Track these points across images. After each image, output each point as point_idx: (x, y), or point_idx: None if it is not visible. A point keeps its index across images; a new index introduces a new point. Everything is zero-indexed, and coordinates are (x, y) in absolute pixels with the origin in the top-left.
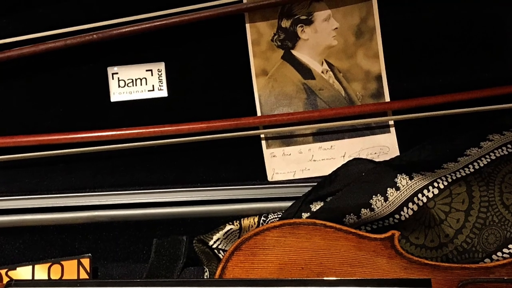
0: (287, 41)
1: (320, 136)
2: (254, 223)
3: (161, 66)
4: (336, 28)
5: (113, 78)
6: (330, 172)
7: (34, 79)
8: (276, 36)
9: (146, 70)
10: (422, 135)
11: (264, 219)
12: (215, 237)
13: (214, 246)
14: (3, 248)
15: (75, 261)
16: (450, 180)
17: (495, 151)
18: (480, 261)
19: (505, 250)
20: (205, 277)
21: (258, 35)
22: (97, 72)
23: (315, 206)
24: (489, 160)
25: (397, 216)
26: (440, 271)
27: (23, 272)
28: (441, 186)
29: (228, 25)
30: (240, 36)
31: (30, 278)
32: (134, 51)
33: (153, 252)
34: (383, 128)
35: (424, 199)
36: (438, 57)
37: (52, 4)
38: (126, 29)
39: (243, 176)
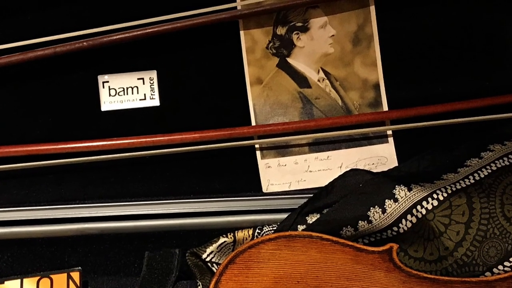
0: (282, 48)
1: (316, 146)
2: (249, 236)
3: (153, 74)
4: (333, 35)
5: (103, 87)
6: (326, 183)
7: (23, 88)
8: (271, 44)
9: (138, 79)
10: (421, 145)
11: (259, 231)
12: (208, 250)
13: (208, 259)
14: None
15: (65, 275)
16: (450, 191)
17: (496, 161)
18: (480, 275)
19: (506, 263)
20: None
21: (252, 42)
22: (87, 81)
23: (311, 218)
24: (490, 171)
25: (395, 228)
26: (440, 285)
27: (11, 286)
28: (441, 198)
29: (222, 32)
30: (234, 44)
31: None
32: (125, 59)
33: (145, 266)
34: (381, 138)
35: (423, 211)
36: (438, 65)
37: (41, 11)
38: (117, 36)
39: (237, 187)
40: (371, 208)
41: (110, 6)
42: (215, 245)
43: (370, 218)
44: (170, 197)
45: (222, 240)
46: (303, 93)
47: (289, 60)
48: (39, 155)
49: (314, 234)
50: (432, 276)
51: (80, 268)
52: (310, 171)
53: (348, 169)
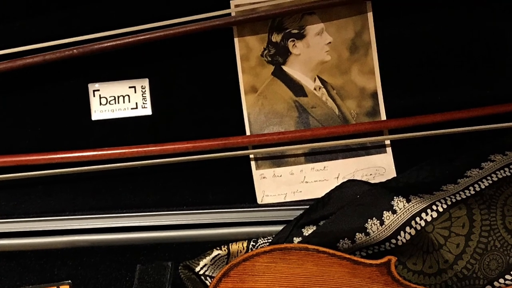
0: (277, 56)
1: (313, 156)
2: (243, 248)
3: (145, 82)
4: (330, 42)
5: (94, 95)
6: (323, 194)
7: (11, 96)
8: (266, 51)
9: (129, 87)
10: (420, 156)
11: (254, 244)
12: (202, 263)
13: (201, 272)
14: None
15: None
16: (449, 202)
17: (497, 172)
18: None
19: (507, 276)
20: None
21: (247, 50)
22: (77, 89)
23: (307, 230)
24: (490, 181)
25: (393, 240)
26: None
27: None
28: (440, 209)
29: (215, 40)
30: (228, 51)
31: None
32: (116, 66)
33: (137, 279)
34: (379, 148)
35: (422, 223)
36: (437, 73)
37: (30, 18)
38: (108, 44)
39: (231, 198)
40: (369, 220)
41: (101, 12)
42: (208, 258)
43: (367, 230)
44: (163, 209)
45: (216, 252)
46: (299, 102)
47: (284, 68)
48: (28, 166)
49: (310, 246)
50: None
51: (70, 281)
52: (306, 182)
53: (345, 180)
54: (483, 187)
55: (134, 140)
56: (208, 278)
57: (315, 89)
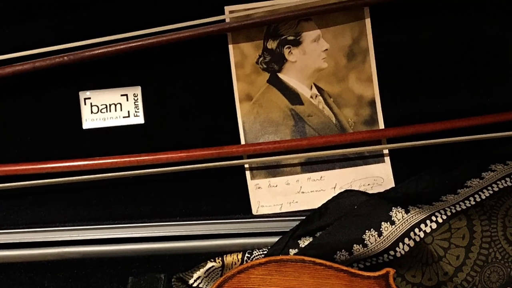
0: (273, 63)
1: (309, 166)
2: (238, 260)
3: (137, 90)
4: (326, 49)
5: (85, 104)
6: (319, 205)
7: (0, 104)
8: (261, 58)
9: (121, 95)
10: (419, 165)
11: (249, 255)
12: (195, 275)
13: (195, 285)
14: None
15: None
16: (449, 213)
17: (498, 182)
18: None
19: None
20: None
21: (242, 57)
22: (68, 97)
23: (304, 242)
24: (491, 192)
25: (392, 252)
26: None
27: None
28: (440, 220)
29: (209, 46)
30: (223, 58)
31: None
32: (108, 74)
33: None
34: (377, 158)
35: (422, 234)
36: (436, 81)
37: (20, 24)
38: (100, 51)
39: (226, 209)
40: (367, 231)
41: (92, 19)
42: (202, 270)
43: (365, 242)
44: (155, 220)
45: (210, 264)
46: (295, 110)
47: (280, 75)
48: (17, 176)
49: (306, 258)
50: None
51: None
52: (303, 192)
53: (342, 190)
54: (483, 197)
55: (126, 149)
56: None
57: (311, 97)
